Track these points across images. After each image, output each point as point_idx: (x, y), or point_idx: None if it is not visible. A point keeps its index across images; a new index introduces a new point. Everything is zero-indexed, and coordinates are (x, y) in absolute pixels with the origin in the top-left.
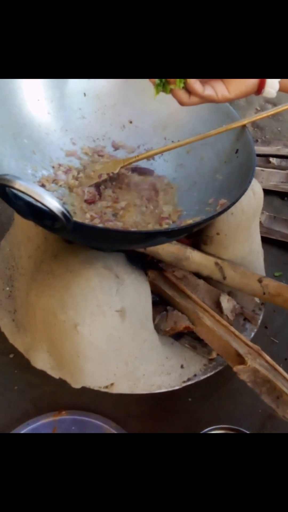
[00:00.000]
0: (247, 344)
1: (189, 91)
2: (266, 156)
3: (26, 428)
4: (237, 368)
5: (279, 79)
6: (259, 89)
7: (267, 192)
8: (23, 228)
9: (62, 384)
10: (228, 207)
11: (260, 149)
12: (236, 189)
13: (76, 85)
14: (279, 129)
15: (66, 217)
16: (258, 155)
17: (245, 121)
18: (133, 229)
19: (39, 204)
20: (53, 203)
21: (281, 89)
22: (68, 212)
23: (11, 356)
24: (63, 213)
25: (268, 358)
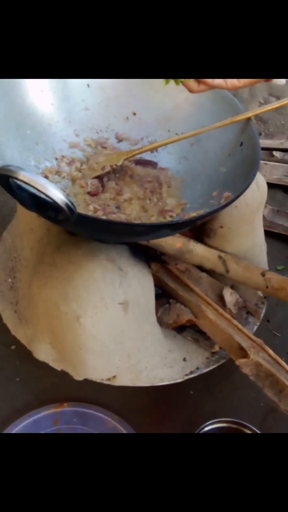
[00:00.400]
0: (250, 338)
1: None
2: (270, 149)
3: (27, 420)
4: (239, 361)
5: None
6: None
7: (270, 185)
8: (26, 220)
9: (64, 375)
10: (233, 201)
11: (264, 142)
12: (240, 182)
13: None
14: (282, 122)
15: (70, 208)
16: (262, 149)
17: (249, 114)
18: (136, 222)
19: (42, 196)
20: (57, 195)
21: None
22: (72, 203)
23: (13, 347)
24: (67, 205)
25: (271, 352)
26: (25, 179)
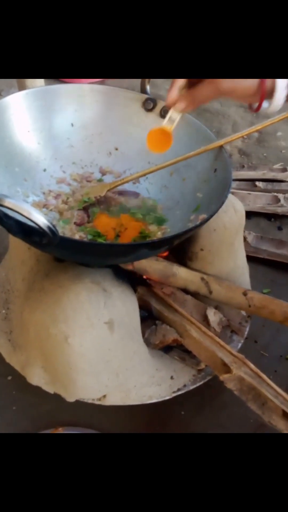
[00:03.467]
0: (231, 353)
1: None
2: (253, 180)
3: None
4: (223, 377)
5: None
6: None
7: (254, 214)
8: (17, 253)
9: (59, 402)
10: (207, 220)
11: (247, 174)
12: (215, 204)
13: (63, 117)
14: (264, 154)
15: (52, 231)
16: (245, 180)
17: (221, 142)
18: (115, 242)
19: (27, 222)
20: (39, 218)
21: None
22: (54, 226)
23: (9, 378)
24: (49, 228)
25: (252, 366)
26: (10, 206)
